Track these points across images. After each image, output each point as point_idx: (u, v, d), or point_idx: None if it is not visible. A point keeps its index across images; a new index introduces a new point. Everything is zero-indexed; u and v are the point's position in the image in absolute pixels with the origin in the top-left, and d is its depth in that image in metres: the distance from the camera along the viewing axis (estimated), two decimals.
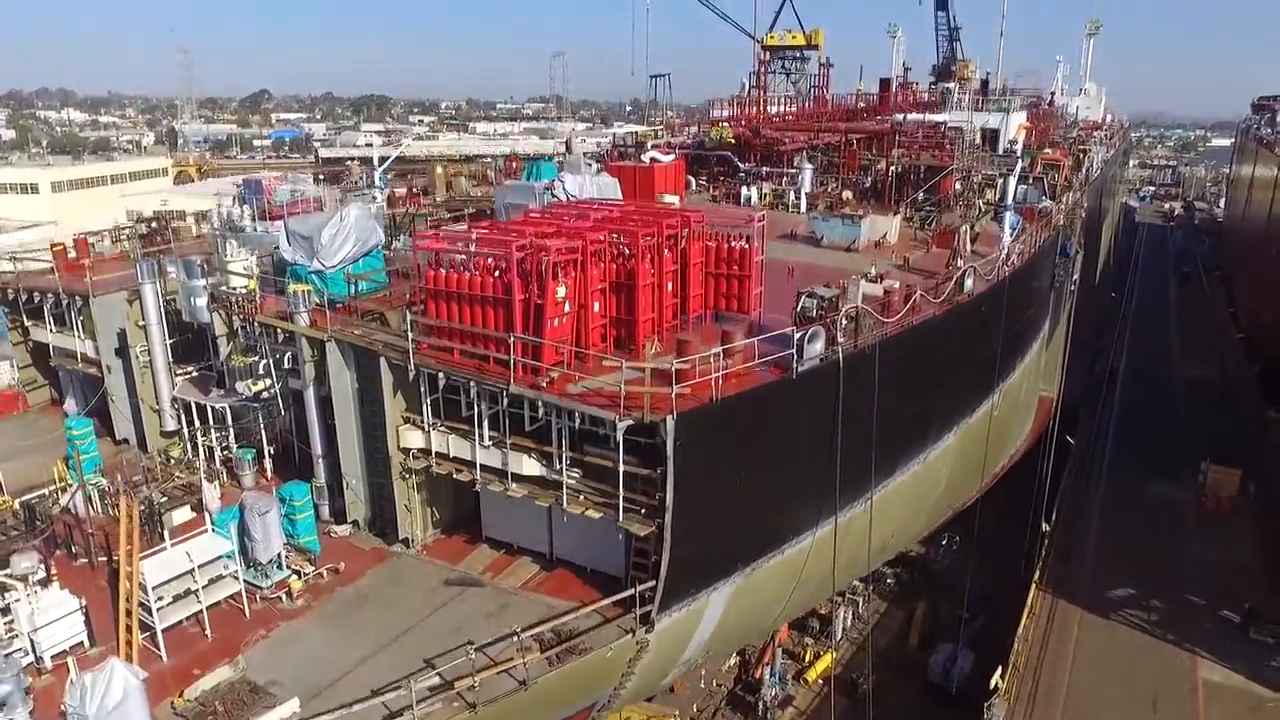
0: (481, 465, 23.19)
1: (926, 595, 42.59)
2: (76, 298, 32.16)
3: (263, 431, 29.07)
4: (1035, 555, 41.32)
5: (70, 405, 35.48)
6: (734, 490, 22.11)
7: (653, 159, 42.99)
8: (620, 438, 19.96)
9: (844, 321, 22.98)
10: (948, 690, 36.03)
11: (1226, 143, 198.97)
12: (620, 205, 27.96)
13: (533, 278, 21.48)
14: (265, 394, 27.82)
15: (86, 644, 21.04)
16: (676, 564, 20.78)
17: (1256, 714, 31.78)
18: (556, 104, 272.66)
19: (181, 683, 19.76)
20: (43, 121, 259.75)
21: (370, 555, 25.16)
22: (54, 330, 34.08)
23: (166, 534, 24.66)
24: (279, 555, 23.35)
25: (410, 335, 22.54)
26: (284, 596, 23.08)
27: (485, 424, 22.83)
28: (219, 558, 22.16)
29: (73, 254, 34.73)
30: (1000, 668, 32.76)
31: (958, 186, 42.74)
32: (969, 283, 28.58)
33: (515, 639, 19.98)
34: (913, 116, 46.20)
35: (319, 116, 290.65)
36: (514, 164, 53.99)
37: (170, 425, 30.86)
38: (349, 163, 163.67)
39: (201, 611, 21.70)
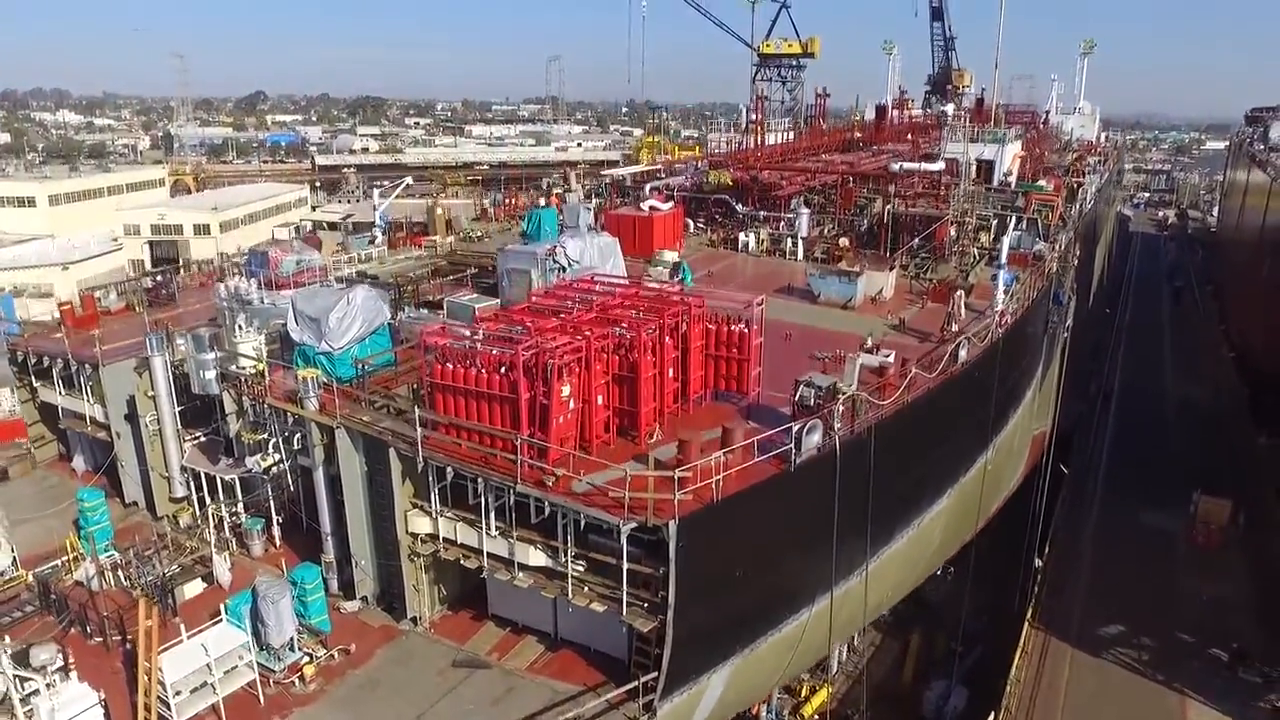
0: (489, 553, 23.79)
1: (921, 626, 42.90)
2: (86, 365, 32.57)
3: (271, 502, 29.62)
4: (1029, 589, 41.79)
5: (78, 463, 36.04)
6: (734, 582, 22.73)
7: (652, 207, 43.24)
8: (624, 541, 20.60)
9: (841, 409, 23.59)
10: None
11: (1221, 145, 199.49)
12: (622, 286, 28.41)
13: (538, 377, 22.06)
14: (275, 469, 28.39)
15: None
16: (678, 656, 21.46)
17: None
18: (553, 106, 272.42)
19: None
20: (38, 124, 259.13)
21: (379, 634, 25.73)
22: (63, 393, 34.47)
23: (179, 612, 25.37)
24: (292, 639, 23.93)
25: (420, 432, 23.05)
26: (296, 680, 23.66)
27: (492, 515, 23.44)
28: (234, 649, 22.72)
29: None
30: (993, 713, 33.44)
31: (953, 233, 43.18)
32: (963, 353, 29.18)
33: None
34: (908, 165, 46.39)
35: (314, 119, 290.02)
36: (511, 200, 54.32)
37: (179, 492, 31.43)
38: (345, 170, 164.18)
39: (218, 702, 22.31)
